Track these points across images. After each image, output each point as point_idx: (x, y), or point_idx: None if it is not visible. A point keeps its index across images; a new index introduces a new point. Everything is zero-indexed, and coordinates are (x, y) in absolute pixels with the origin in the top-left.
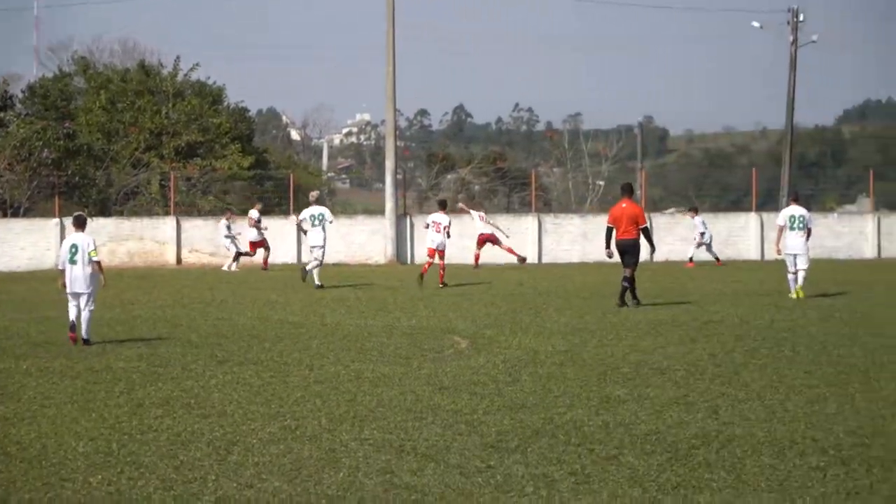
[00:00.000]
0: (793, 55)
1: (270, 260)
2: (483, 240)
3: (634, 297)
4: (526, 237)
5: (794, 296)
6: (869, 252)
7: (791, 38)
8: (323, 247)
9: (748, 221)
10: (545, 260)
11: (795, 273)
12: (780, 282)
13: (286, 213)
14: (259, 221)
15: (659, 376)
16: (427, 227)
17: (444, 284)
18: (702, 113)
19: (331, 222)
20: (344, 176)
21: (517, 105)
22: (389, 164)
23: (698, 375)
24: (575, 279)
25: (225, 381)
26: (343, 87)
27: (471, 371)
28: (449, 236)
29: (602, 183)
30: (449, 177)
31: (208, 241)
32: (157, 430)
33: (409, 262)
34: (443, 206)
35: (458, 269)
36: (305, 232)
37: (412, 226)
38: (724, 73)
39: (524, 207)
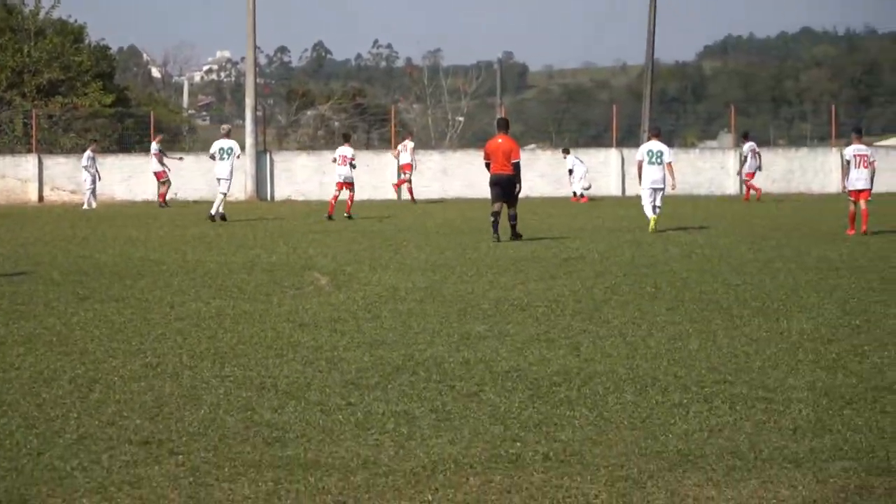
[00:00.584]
0: None
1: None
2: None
3: (496, 232)
4: (385, 173)
5: (651, 228)
6: (731, 188)
7: None
8: (228, 179)
9: (608, 157)
10: (405, 196)
11: (653, 205)
12: (640, 218)
13: (147, 150)
14: (161, 154)
15: (520, 313)
16: (334, 160)
17: (350, 216)
18: (562, 48)
19: (238, 156)
20: (204, 113)
21: (377, 41)
22: (249, 101)
23: (559, 312)
24: (435, 216)
25: (87, 318)
26: (203, 24)
27: (331, 308)
28: (354, 167)
29: (462, 119)
30: (308, 113)
31: (70, 178)
32: (19, 367)
33: (269, 198)
34: (346, 138)
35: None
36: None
37: (272, 162)
38: (585, 8)
39: (384, 143)
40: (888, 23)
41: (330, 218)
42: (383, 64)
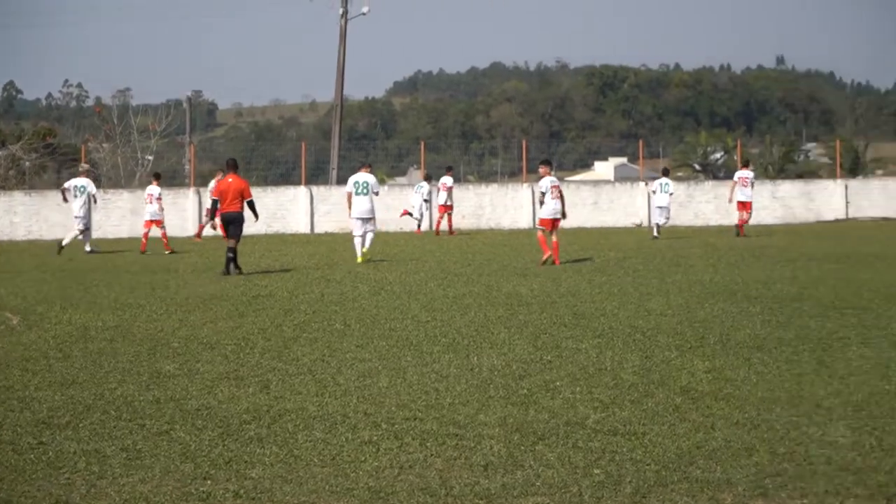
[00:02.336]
0: (342, 27)
1: None
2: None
3: (237, 266)
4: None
5: (360, 259)
6: (424, 224)
7: (341, 11)
8: (80, 217)
9: (297, 195)
10: (94, 235)
11: (363, 236)
12: (328, 255)
13: None
14: None
15: (209, 351)
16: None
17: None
18: (251, 86)
19: (94, 193)
20: None
21: (67, 81)
22: None
23: (248, 350)
24: (125, 254)
25: None
26: None
27: (22, 347)
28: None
29: (151, 158)
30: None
31: None
32: None
33: None
34: (157, 177)
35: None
36: (66, 200)
37: None
38: (274, 45)
39: None
40: (580, 58)
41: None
42: (74, 103)
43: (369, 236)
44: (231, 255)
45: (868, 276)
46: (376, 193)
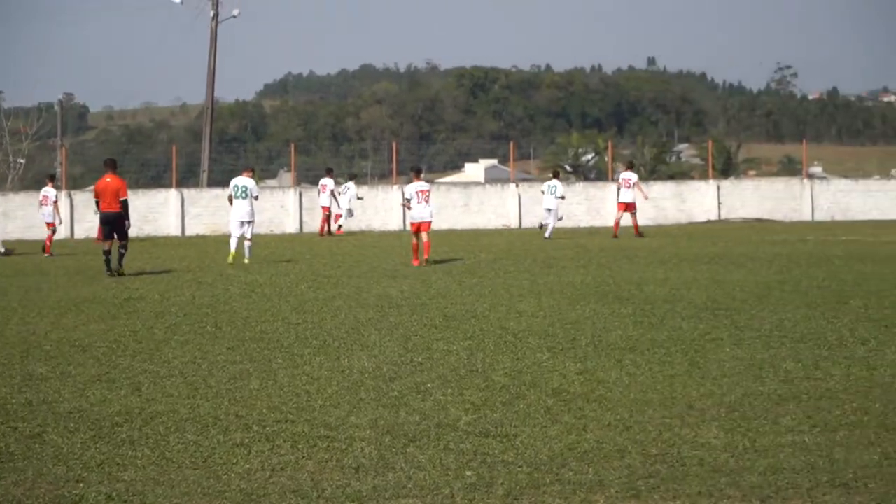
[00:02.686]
0: (213, 30)
1: None
2: None
3: (109, 268)
4: None
5: (230, 260)
6: (291, 226)
7: (212, 14)
8: None
9: (168, 198)
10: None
11: (241, 238)
12: (200, 257)
13: None
14: None
15: (81, 353)
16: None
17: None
18: (122, 89)
19: None
20: None
21: None
22: None
23: (120, 352)
24: None
25: None
26: None
27: None
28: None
29: (23, 161)
30: None
31: None
32: None
33: None
34: (52, 178)
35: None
36: None
37: None
38: (144, 48)
39: None
40: (451, 59)
41: (50, 255)
42: None
43: (247, 244)
44: (122, 251)
45: (740, 276)
46: (256, 198)
